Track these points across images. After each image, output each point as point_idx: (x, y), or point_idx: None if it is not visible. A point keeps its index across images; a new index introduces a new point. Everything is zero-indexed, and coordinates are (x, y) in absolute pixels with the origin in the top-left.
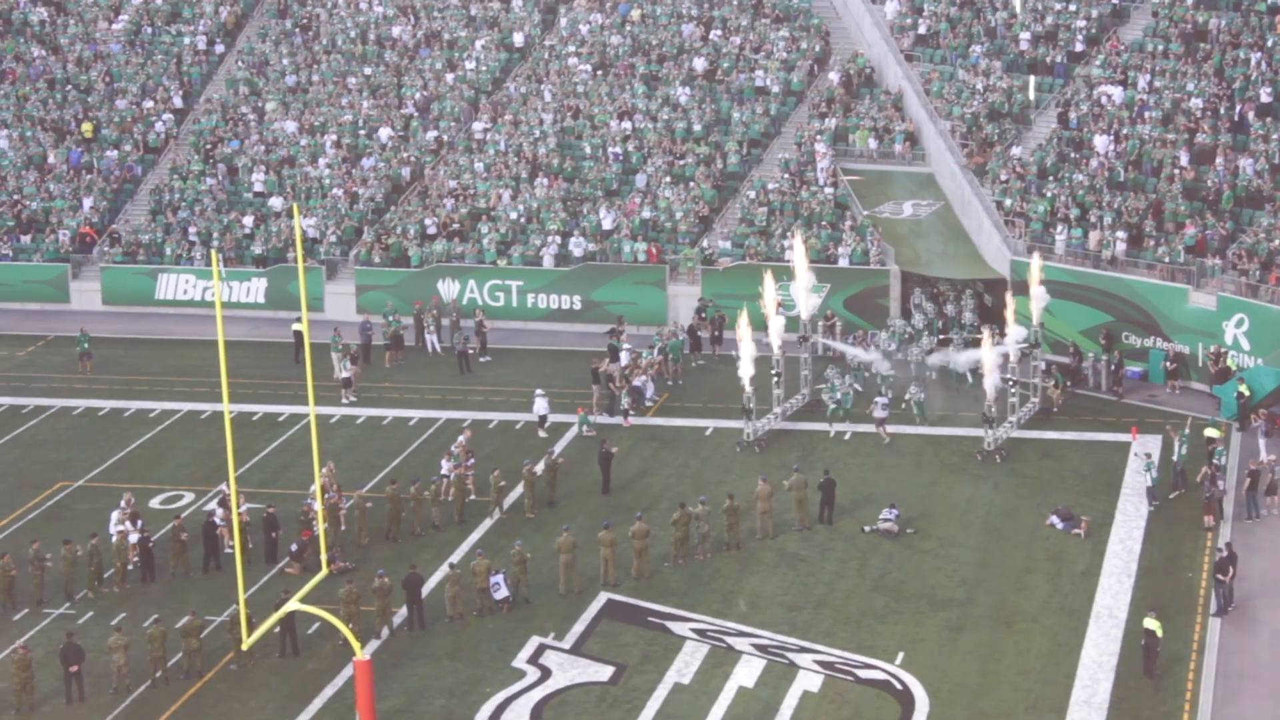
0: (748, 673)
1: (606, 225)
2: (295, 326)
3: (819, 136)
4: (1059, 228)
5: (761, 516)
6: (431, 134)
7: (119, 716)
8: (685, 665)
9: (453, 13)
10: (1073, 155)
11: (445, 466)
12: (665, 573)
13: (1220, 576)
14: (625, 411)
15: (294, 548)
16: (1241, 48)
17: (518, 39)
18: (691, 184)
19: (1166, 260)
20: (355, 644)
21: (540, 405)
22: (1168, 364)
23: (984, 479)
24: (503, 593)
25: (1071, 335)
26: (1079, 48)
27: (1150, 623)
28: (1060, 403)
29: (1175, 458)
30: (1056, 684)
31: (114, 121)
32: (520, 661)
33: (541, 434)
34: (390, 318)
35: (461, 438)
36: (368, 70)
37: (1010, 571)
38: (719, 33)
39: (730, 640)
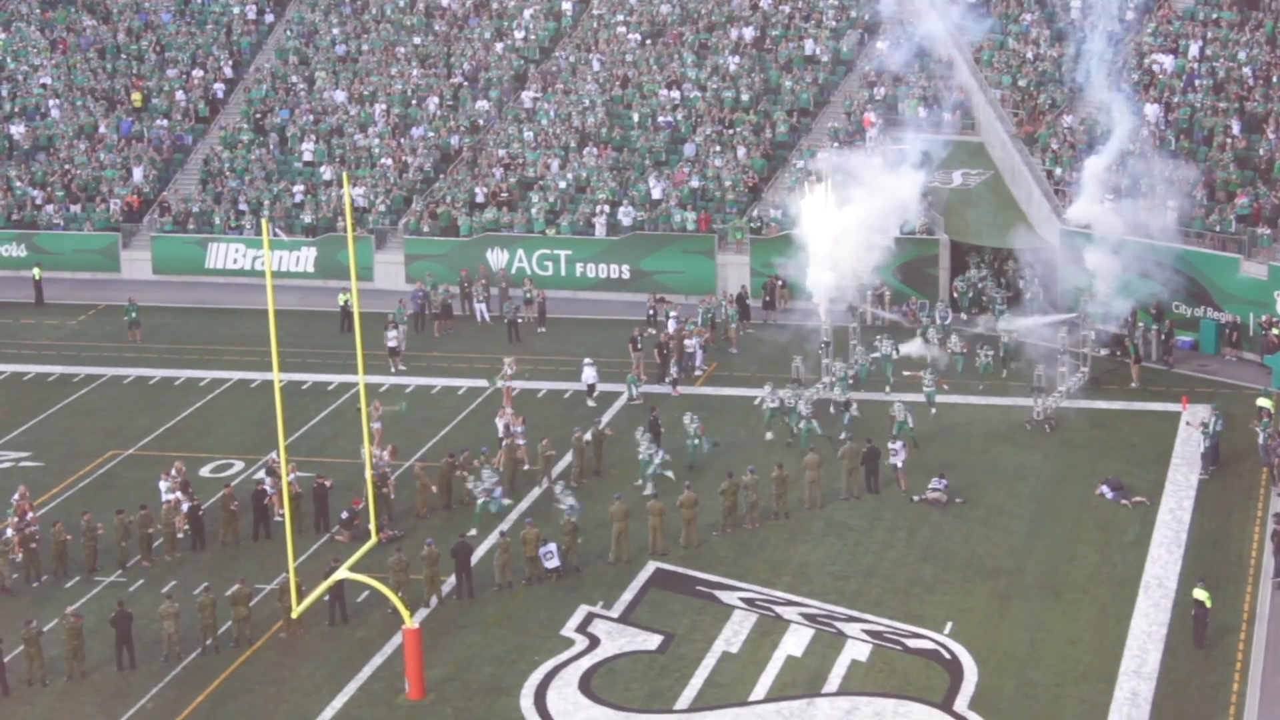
0: (796, 642)
1: (655, 194)
2: (341, 298)
3: (868, 105)
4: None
5: (810, 486)
6: (481, 103)
7: (170, 684)
8: (733, 634)
9: None
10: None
11: (500, 427)
12: (714, 542)
13: None
14: (674, 381)
15: (344, 515)
16: None
17: (566, 7)
18: (741, 151)
19: (1218, 229)
20: (404, 612)
21: (589, 374)
22: (1229, 331)
23: (1033, 448)
24: (554, 562)
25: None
26: (1130, 15)
27: (1199, 593)
28: (1138, 378)
29: (1210, 435)
30: (1105, 654)
31: (164, 91)
32: (569, 630)
33: (590, 403)
34: (440, 287)
35: (507, 368)
36: (417, 40)
37: (1059, 541)
38: (768, 1)
39: (778, 609)
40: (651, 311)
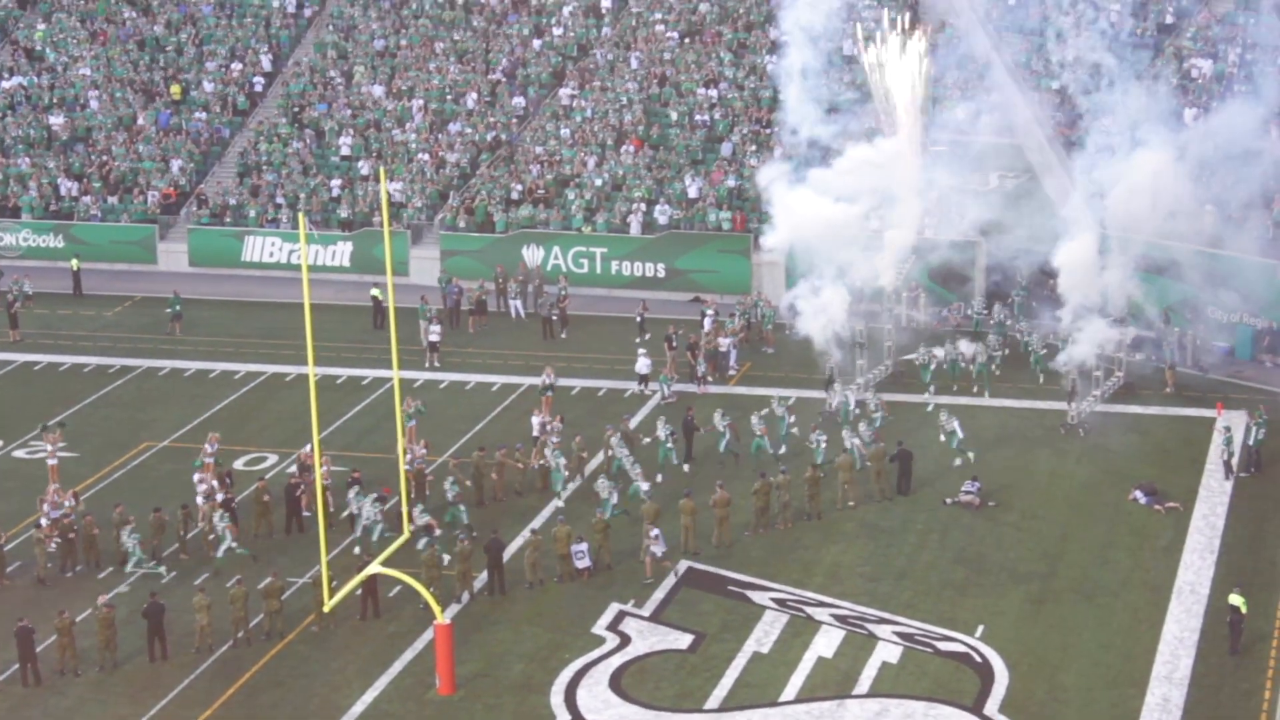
0: (827, 643)
1: (692, 193)
2: (374, 292)
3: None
4: None
5: (844, 487)
6: (518, 100)
7: (201, 676)
8: (764, 634)
9: None
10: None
11: (535, 425)
12: (746, 542)
13: None
14: (702, 378)
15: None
16: None
17: (605, 4)
18: (778, 151)
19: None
20: (436, 608)
21: (643, 365)
22: (1265, 337)
23: (1067, 453)
24: (585, 562)
25: (1158, 310)
26: (1170, 20)
27: (1235, 599)
28: (1173, 383)
29: (1251, 441)
30: (1137, 659)
31: (201, 84)
32: (600, 628)
33: (639, 389)
34: (480, 284)
35: (546, 376)
36: (455, 35)
37: (1092, 545)
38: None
39: (810, 610)
40: (639, 318)
